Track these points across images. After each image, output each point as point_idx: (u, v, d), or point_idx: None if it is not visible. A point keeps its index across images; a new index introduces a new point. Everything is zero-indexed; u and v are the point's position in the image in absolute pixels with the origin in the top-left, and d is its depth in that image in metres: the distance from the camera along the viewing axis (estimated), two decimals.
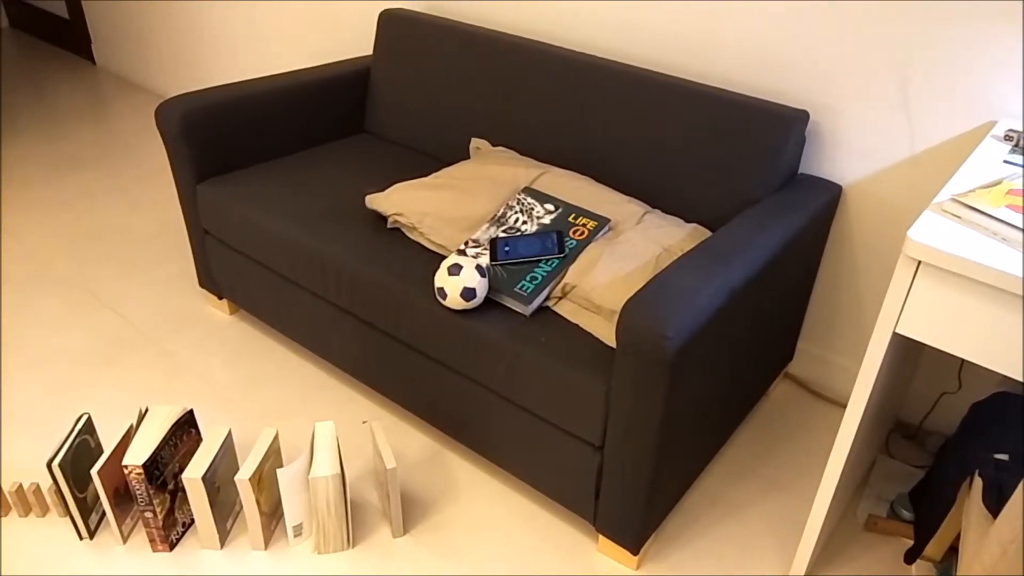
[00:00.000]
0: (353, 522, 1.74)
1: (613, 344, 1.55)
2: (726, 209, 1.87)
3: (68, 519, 1.72)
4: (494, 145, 2.23)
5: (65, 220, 2.86)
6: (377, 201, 1.95)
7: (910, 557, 1.63)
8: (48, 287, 2.48)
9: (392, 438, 1.97)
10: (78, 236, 2.76)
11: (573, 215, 1.83)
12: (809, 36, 1.84)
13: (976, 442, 1.53)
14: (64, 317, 2.35)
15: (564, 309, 1.66)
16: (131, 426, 1.65)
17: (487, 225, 1.84)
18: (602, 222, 1.80)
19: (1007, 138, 1.54)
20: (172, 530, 1.66)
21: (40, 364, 2.16)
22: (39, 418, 1.98)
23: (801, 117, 1.79)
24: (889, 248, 1.93)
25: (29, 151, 3.37)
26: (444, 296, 1.63)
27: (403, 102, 2.41)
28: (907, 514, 1.76)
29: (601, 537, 1.68)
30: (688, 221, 1.92)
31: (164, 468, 1.60)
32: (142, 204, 3.00)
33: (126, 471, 1.53)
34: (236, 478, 1.55)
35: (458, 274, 1.61)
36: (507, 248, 1.75)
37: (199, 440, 1.74)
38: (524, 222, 1.83)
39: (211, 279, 2.32)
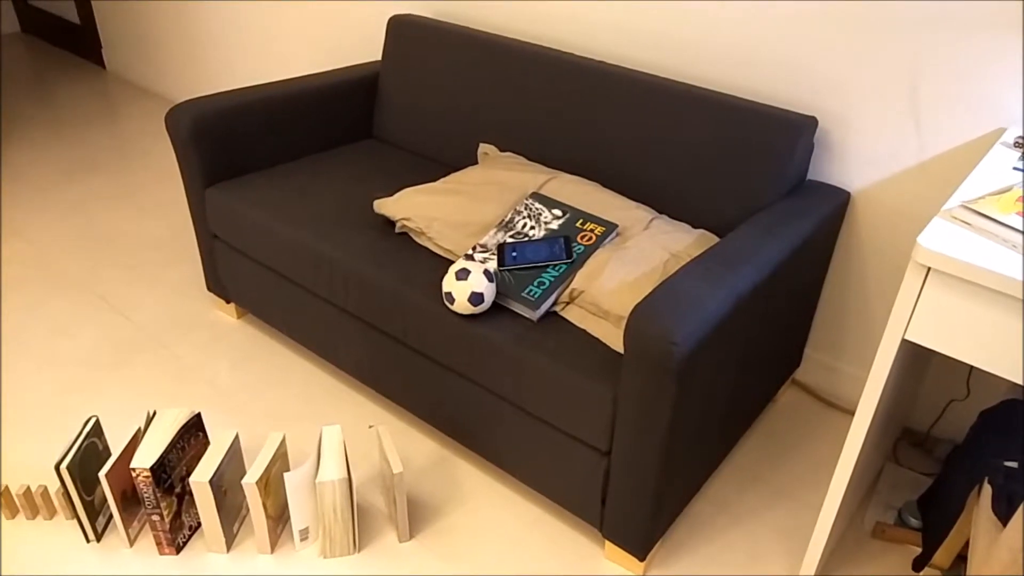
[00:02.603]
0: (359, 526, 1.74)
1: (620, 350, 1.55)
2: (734, 215, 1.87)
3: (75, 522, 1.72)
4: (502, 151, 2.24)
5: (76, 224, 2.87)
6: (385, 206, 1.95)
7: (918, 565, 1.62)
8: (59, 290, 2.49)
9: (399, 443, 1.97)
10: (89, 240, 2.78)
11: (581, 220, 1.83)
12: (818, 42, 1.84)
13: (985, 450, 1.52)
14: (74, 320, 2.36)
15: (572, 314, 1.66)
16: (139, 429, 1.65)
17: (495, 230, 1.84)
18: (610, 227, 1.80)
19: (1016, 145, 1.54)
20: (179, 533, 1.66)
21: (49, 367, 2.17)
22: (47, 421, 1.99)
23: (810, 123, 1.79)
24: (897, 255, 1.92)
25: (40, 155, 3.39)
26: (452, 301, 1.63)
27: (411, 107, 2.42)
28: (915, 522, 1.75)
29: (608, 543, 1.67)
30: (695, 227, 1.92)
31: (171, 471, 1.60)
32: (152, 208, 3.01)
33: (134, 474, 1.53)
34: (243, 482, 1.55)
35: (466, 279, 1.61)
36: (515, 253, 1.75)
37: (206, 443, 1.75)
38: (532, 227, 1.84)
39: (219, 283, 2.33)
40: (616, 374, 1.49)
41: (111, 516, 1.72)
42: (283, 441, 1.66)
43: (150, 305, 2.44)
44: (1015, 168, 1.44)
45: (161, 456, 1.56)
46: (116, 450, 1.59)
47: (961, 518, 1.47)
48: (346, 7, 2.88)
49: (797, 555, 1.72)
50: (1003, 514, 1.30)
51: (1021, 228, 1.20)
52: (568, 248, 1.75)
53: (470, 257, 1.77)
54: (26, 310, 2.40)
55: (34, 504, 1.71)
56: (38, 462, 1.86)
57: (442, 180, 2.04)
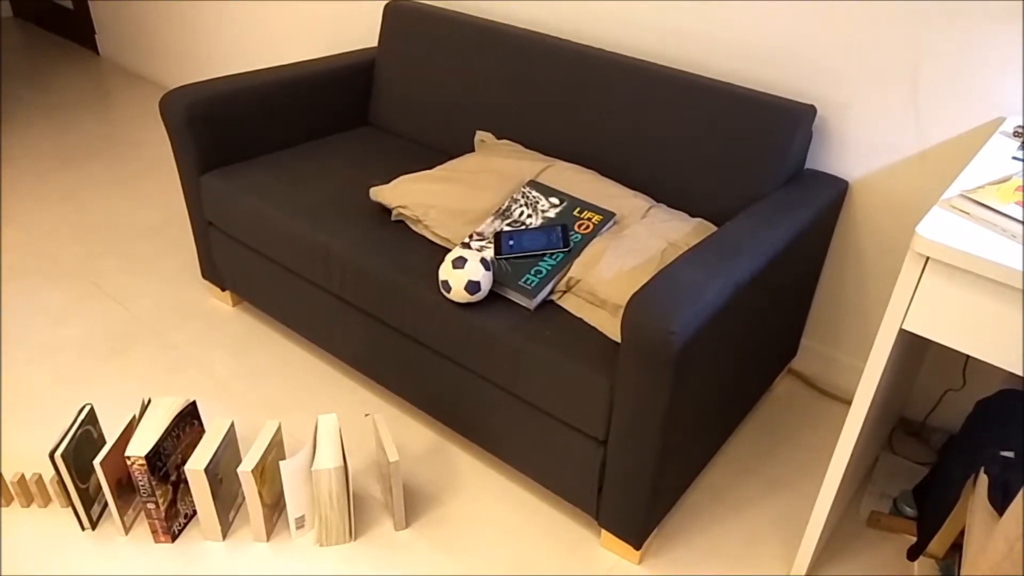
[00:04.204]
0: (355, 515, 1.74)
1: (618, 338, 1.55)
2: (732, 204, 1.86)
3: (70, 510, 1.72)
4: (499, 138, 2.23)
5: (70, 211, 2.85)
6: (381, 193, 1.94)
7: (913, 554, 1.62)
8: (53, 278, 2.48)
9: (395, 431, 1.97)
10: (83, 227, 2.76)
11: (578, 209, 1.83)
12: (818, 31, 1.83)
13: (982, 439, 1.53)
14: (68, 308, 2.35)
15: (569, 303, 1.66)
16: (134, 417, 1.64)
17: (492, 218, 1.84)
18: (607, 216, 1.80)
19: (1016, 134, 1.53)
20: (174, 521, 1.66)
21: (44, 355, 2.16)
22: (42, 409, 1.98)
23: (808, 112, 1.78)
24: (895, 244, 1.92)
25: (33, 141, 3.37)
26: (448, 289, 1.62)
27: (408, 94, 2.40)
28: (910, 511, 1.76)
29: (603, 532, 1.67)
30: (693, 215, 1.92)
31: (167, 459, 1.60)
32: (146, 195, 2.99)
33: (129, 462, 1.53)
34: (239, 470, 1.55)
35: (462, 267, 1.60)
36: (512, 242, 1.75)
37: (202, 432, 1.74)
38: (529, 216, 1.83)
39: (214, 271, 2.32)
40: (613, 363, 1.49)
41: (106, 504, 1.71)
42: (279, 429, 1.66)
43: (146, 293, 2.43)
44: (1015, 157, 1.44)
45: (156, 444, 1.55)
46: (111, 438, 1.58)
47: (957, 507, 1.48)
48: None
49: (792, 544, 1.72)
50: (999, 504, 1.30)
51: (1020, 218, 1.20)
52: (565, 237, 1.75)
53: (467, 245, 1.76)
54: (20, 299, 2.38)
55: (29, 492, 1.71)
56: (33, 450, 1.86)
57: (439, 168, 2.03)
